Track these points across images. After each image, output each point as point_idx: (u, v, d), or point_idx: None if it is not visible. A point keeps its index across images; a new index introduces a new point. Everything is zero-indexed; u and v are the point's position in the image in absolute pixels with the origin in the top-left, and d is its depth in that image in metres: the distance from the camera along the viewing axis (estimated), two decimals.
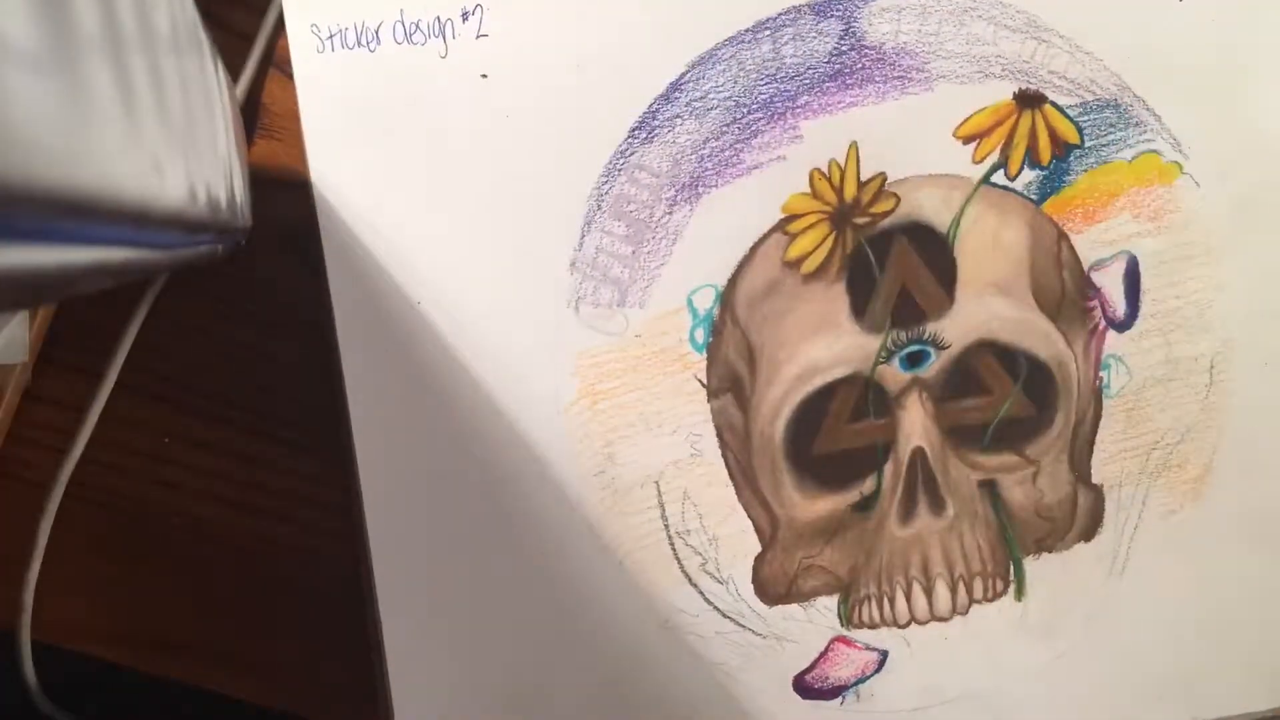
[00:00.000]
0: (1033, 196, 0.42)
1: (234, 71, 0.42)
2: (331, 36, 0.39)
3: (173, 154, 0.24)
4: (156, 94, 0.23)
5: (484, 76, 0.40)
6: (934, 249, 0.42)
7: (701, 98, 0.41)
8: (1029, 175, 0.42)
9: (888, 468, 0.42)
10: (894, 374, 0.42)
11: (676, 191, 0.41)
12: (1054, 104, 0.42)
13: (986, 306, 0.42)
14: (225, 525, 0.43)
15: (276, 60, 0.42)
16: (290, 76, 0.40)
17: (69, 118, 0.17)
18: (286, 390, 0.43)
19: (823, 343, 0.42)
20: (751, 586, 0.42)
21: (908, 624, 0.43)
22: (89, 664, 0.43)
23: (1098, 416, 0.43)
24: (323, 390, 0.42)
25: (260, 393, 0.43)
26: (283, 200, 0.40)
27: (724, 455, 0.42)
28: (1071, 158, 0.42)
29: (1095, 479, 0.43)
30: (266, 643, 0.44)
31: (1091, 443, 0.43)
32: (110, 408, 0.42)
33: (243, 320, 0.43)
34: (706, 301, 0.41)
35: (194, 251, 0.29)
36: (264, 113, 0.42)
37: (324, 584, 0.44)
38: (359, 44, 0.39)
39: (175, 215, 0.24)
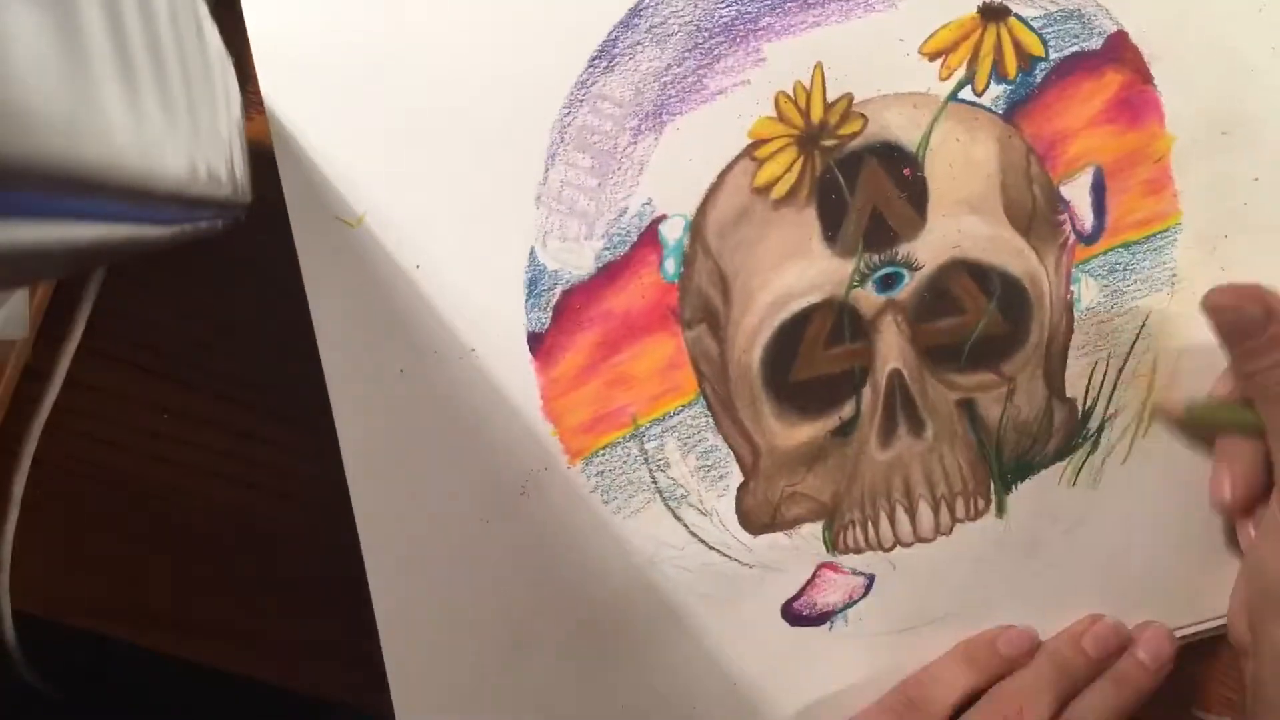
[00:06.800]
0: (1000, 111, 0.42)
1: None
2: None
3: (173, 128, 0.24)
4: (155, 66, 0.23)
5: (437, 12, 0.39)
6: (904, 169, 0.41)
7: (662, 23, 0.40)
8: (996, 90, 0.42)
9: (866, 391, 0.42)
10: (868, 297, 0.42)
11: (640, 121, 0.40)
12: (1018, 16, 0.41)
13: (958, 225, 0.42)
14: (218, 500, 0.43)
15: None
16: None
17: (70, 91, 0.16)
18: (281, 366, 0.42)
19: (795, 269, 0.41)
20: (736, 517, 0.42)
21: (892, 547, 0.43)
22: (76, 636, 0.42)
23: (1069, 330, 0.43)
24: (319, 367, 0.41)
25: (258, 369, 0.42)
26: (277, 175, 0.39)
27: (701, 386, 0.41)
28: (1037, 70, 0.42)
29: (1069, 393, 0.43)
30: (264, 618, 0.44)
31: (1064, 357, 0.43)
32: (99, 381, 0.42)
33: (237, 296, 0.42)
34: (676, 232, 0.41)
35: (194, 227, 0.28)
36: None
37: (316, 558, 0.43)
38: None
39: (176, 190, 0.24)
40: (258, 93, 0.39)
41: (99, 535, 0.43)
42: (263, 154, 0.39)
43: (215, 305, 0.43)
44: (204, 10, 0.31)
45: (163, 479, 0.43)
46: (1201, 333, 0.43)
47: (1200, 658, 0.46)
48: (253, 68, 0.39)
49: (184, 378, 0.42)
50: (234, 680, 0.44)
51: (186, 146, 0.25)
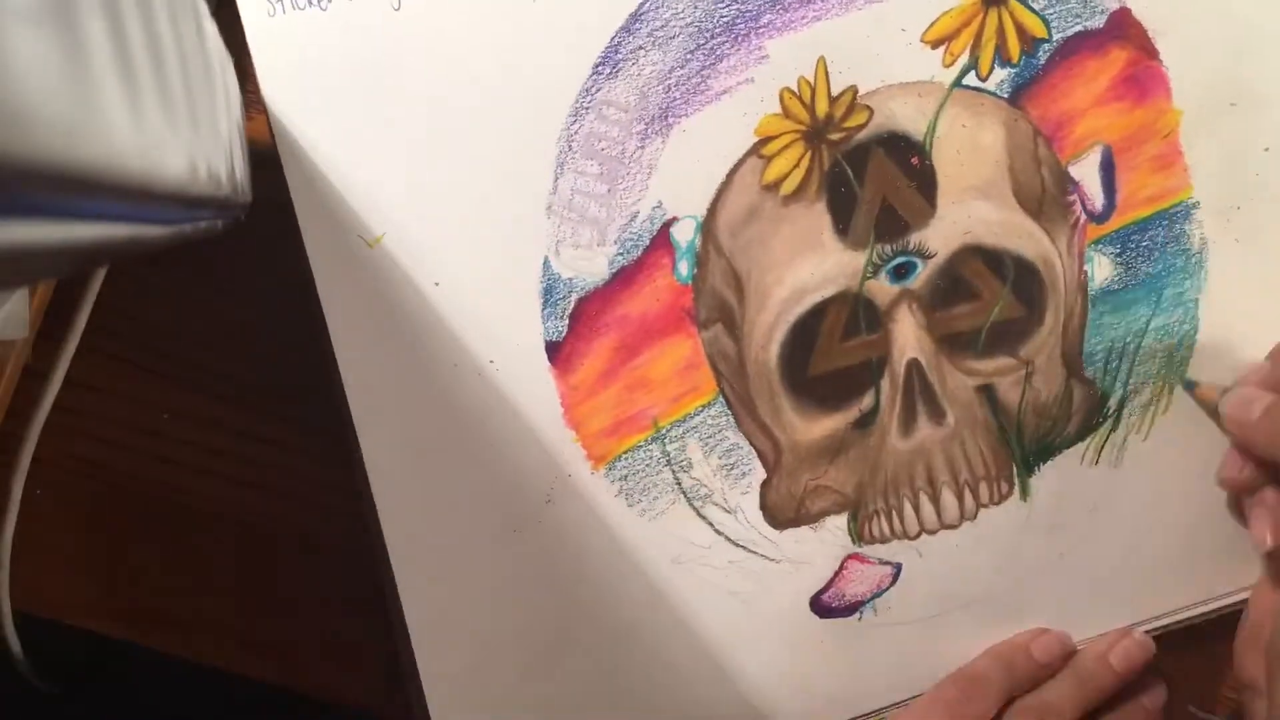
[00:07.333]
0: (1005, 95, 0.42)
1: None
2: None
3: (173, 128, 0.24)
4: (155, 66, 0.23)
5: (437, 26, 0.39)
6: (911, 158, 0.41)
7: (663, 26, 0.40)
8: (1000, 74, 0.42)
9: (884, 382, 0.42)
10: (882, 288, 0.42)
11: (647, 125, 0.41)
12: None
13: (969, 211, 0.42)
14: (218, 500, 0.43)
15: None
16: None
17: (71, 91, 0.16)
18: (286, 367, 0.43)
19: (808, 263, 0.41)
20: (760, 513, 0.42)
21: (918, 535, 0.43)
22: (76, 636, 0.43)
23: (1085, 310, 0.43)
24: (321, 367, 0.42)
25: (260, 369, 0.43)
26: (280, 175, 0.39)
27: (720, 385, 0.42)
28: (1040, 51, 0.42)
29: (1088, 373, 0.43)
30: (265, 618, 0.44)
31: (1081, 337, 0.43)
32: (99, 381, 0.42)
33: (241, 297, 0.43)
34: (688, 233, 0.41)
35: (194, 227, 0.28)
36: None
37: (317, 558, 0.44)
38: (310, 3, 0.38)
39: (176, 190, 0.24)
40: (258, 92, 0.39)
41: (99, 535, 0.43)
42: (263, 154, 0.39)
43: (215, 305, 0.43)
44: (204, 10, 0.31)
45: (163, 479, 0.43)
46: (1218, 307, 0.43)
47: (1197, 655, 0.46)
48: (252, 68, 0.39)
49: (184, 378, 0.43)
50: (234, 680, 0.44)
51: (186, 146, 0.25)
